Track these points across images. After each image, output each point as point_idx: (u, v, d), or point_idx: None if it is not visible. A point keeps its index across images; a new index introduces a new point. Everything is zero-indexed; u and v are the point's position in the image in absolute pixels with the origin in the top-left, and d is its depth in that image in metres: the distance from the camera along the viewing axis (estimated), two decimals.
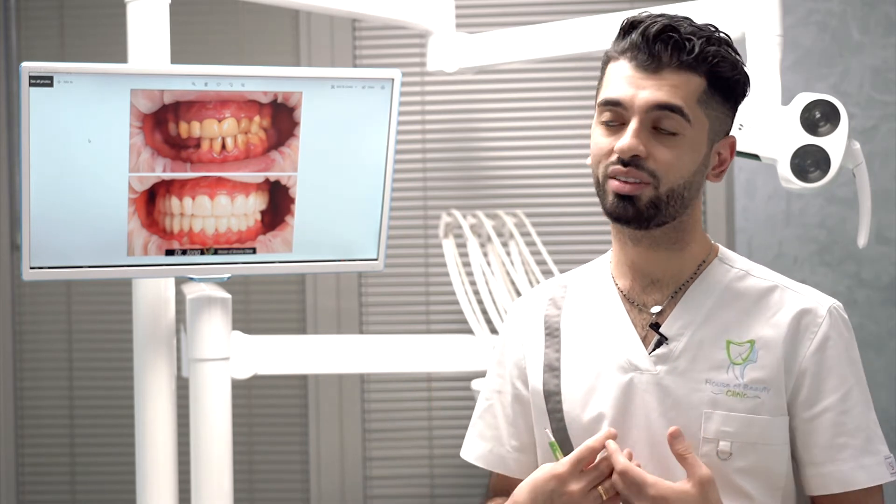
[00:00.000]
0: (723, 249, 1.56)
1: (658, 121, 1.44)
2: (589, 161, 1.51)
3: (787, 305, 1.49)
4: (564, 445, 1.52)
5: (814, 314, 1.48)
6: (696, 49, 1.43)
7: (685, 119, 1.43)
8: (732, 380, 1.46)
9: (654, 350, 1.50)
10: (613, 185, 1.45)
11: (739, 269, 1.54)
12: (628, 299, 1.54)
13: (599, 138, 1.47)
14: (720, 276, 1.52)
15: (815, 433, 1.46)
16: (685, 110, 1.43)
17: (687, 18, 1.47)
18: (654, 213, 1.45)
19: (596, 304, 1.57)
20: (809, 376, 1.46)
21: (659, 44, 1.44)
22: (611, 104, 1.45)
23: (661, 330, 1.50)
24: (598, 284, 1.58)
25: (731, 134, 1.53)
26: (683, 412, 1.47)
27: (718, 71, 1.45)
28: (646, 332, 1.51)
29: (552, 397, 1.55)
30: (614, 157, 1.44)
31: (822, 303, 1.50)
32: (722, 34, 1.48)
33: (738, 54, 1.49)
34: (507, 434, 1.62)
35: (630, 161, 1.43)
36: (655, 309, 1.51)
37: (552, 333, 1.59)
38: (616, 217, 1.46)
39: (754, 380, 1.46)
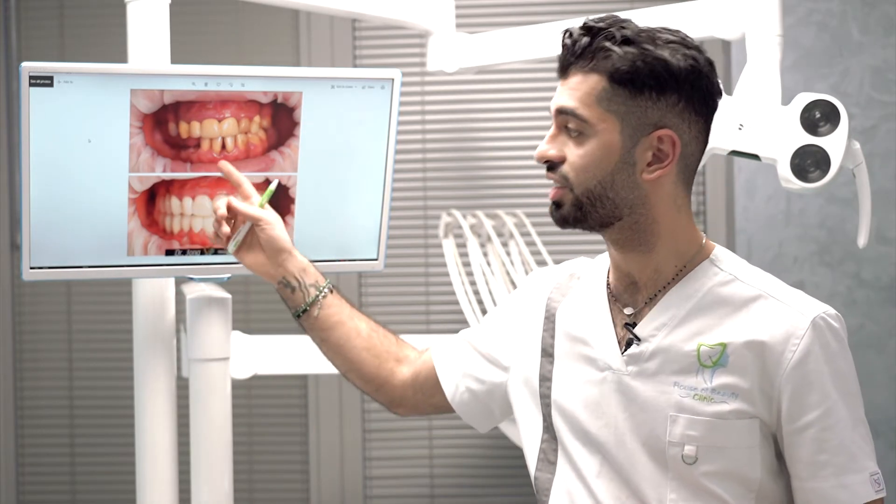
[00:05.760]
0: (718, 251, 1.53)
1: (565, 124, 1.47)
2: None
3: (767, 317, 1.44)
4: (550, 431, 1.55)
5: (795, 327, 1.42)
6: (580, 48, 1.44)
7: (580, 120, 1.45)
8: (700, 383, 1.44)
9: (626, 350, 1.50)
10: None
11: (727, 272, 1.49)
12: (615, 298, 1.55)
13: None
14: (705, 279, 1.49)
15: (798, 448, 1.43)
16: (578, 111, 1.44)
17: (611, 17, 1.46)
18: (581, 216, 1.48)
19: (589, 299, 1.58)
20: (789, 392, 1.42)
21: (562, 49, 1.48)
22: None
23: (635, 331, 1.50)
24: (595, 280, 1.59)
25: (666, 128, 1.44)
26: (650, 415, 1.46)
27: (612, 66, 1.43)
28: (624, 332, 1.51)
29: (544, 382, 1.57)
30: None
31: (807, 313, 1.43)
32: (628, 30, 1.43)
33: (652, 44, 1.42)
34: (472, 364, 1.70)
35: (547, 166, 1.49)
36: (628, 310, 1.52)
37: (549, 318, 1.60)
38: (553, 221, 1.51)
39: (723, 385, 1.43)
